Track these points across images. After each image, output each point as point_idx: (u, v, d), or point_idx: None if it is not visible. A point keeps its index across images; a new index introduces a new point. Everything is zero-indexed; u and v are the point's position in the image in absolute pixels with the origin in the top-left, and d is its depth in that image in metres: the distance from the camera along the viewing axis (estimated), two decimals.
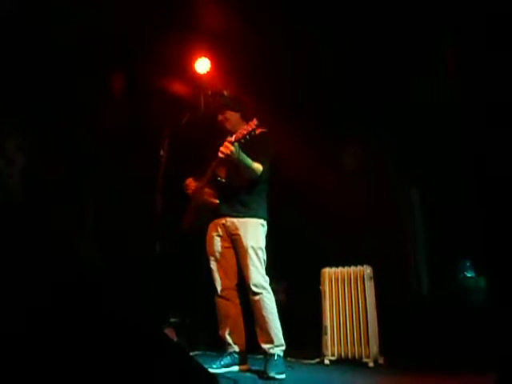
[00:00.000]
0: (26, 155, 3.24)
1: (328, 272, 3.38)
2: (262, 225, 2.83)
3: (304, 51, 3.77)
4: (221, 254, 2.86)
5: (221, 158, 2.59)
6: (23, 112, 3.29)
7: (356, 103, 4.02)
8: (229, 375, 2.47)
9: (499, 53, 2.82)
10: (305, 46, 3.73)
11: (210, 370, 2.42)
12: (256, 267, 2.70)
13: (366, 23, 3.54)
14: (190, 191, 2.97)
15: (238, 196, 2.82)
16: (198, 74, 3.89)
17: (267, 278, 2.74)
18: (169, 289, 3.63)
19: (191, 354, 3.36)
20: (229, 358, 2.77)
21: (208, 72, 3.88)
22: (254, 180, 2.78)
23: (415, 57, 3.62)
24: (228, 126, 2.89)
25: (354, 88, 3.95)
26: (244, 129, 2.53)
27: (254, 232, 2.77)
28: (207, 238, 2.93)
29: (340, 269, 3.36)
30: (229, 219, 2.82)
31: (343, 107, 4.08)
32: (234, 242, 2.81)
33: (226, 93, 2.97)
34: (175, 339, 3.56)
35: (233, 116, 2.90)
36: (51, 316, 1.16)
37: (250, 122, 2.51)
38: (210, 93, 3.09)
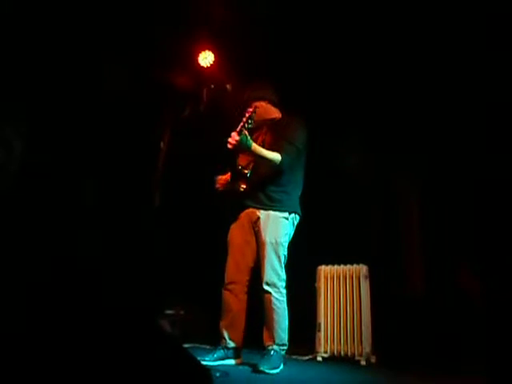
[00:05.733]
0: (25, 141, 3.23)
1: (324, 270, 3.38)
2: (286, 218, 2.74)
3: (307, 47, 3.76)
4: (238, 246, 2.79)
5: (230, 149, 2.58)
6: (23, 97, 3.28)
7: (359, 104, 4.01)
8: (221, 368, 2.48)
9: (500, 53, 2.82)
10: (308, 42, 3.72)
11: (203, 363, 2.43)
12: (271, 264, 2.64)
13: (368, 23, 3.53)
14: (218, 186, 2.90)
15: (263, 187, 2.76)
16: (202, 67, 3.89)
17: (283, 276, 2.67)
18: (165, 281, 3.64)
19: (184, 346, 3.37)
20: (222, 351, 2.76)
21: (211, 65, 3.87)
22: (275, 170, 2.71)
23: (417, 58, 3.61)
24: (255, 117, 2.79)
25: (357, 91, 3.94)
26: (244, 117, 2.54)
27: (274, 226, 2.69)
28: (230, 227, 2.86)
29: (336, 267, 3.37)
30: (252, 211, 2.77)
31: (346, 106, 4.07)
32: (256, 234, 2.75)
33: (228, 87, 2.97)
34: (169, 331, 3.57)
35: (260, 106, 2.84)
36: (46, 307, 1.16)
37: (249, 109, 2.55)
38: (212, 86, 3.08)
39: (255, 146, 2.60)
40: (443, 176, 3.73)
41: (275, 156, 2.65)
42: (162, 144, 2.82)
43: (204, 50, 3.87)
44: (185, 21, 3.64)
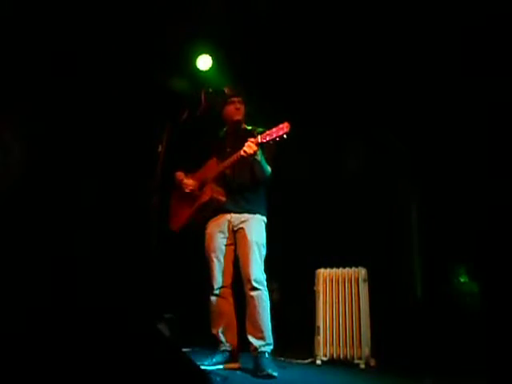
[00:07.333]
0: (24, 145, 3.23)
1: (323, 273, 3.38)
2: (264, 222, 2.87)
3: (308, 49, 3.75)
4: (221, 251, 2.85)
5: (242, 157, 2.58)
6: (21, 102, 3.28)
7: (362, 107, 4.01)
8: (220, 372, 2.47)
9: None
10: (308, 43, 3.72)
11: (202, 367, 2.42)
12: (257, 263, 2.72)
13: (374, 20, 3.51)
14: (189, 189, 2.93)
15: (244, 193, 2.84)
16: (200, 70, 3.90)
17: (265, 276, 2.76)
18: (163, 284, 3.63)
19: (183, 350, 3.36)
20: (220, 355, 2.77)
21: (210, 69, 3.88)
22: (260, 180, 2.81)
23: (422, 59, 3.60)
24: (240, 116, 2.93)
25: (361, 92, 3.94)
26: (274, 132, 2.47)
27: (257, 228, 2.80)
28: (208, 233, 2.91)
29: (335, 270, 3.37)
30: (233, 215, 2.83)
31: (349, 109, 4.07)
32: (237, 236, 2.81)
33: (226, 90, 2.98)
34: (168, 335, 3.56)
35: (242, 107, 2.94)
36: (46, 311, 1.16)
37: (282, 125, 2.44)
38: (210, 90, 3.08)
39: (263, 159, 2.65)
40: (443, 178, 3.73)
41: (269, 168, 2.76)
42: (159, 147, 2.81)
43: (202, 53, 3.88)
44: (183, 24, 3.64)
